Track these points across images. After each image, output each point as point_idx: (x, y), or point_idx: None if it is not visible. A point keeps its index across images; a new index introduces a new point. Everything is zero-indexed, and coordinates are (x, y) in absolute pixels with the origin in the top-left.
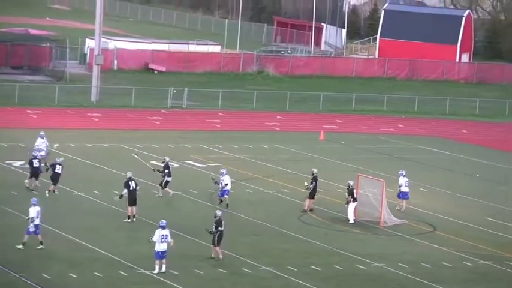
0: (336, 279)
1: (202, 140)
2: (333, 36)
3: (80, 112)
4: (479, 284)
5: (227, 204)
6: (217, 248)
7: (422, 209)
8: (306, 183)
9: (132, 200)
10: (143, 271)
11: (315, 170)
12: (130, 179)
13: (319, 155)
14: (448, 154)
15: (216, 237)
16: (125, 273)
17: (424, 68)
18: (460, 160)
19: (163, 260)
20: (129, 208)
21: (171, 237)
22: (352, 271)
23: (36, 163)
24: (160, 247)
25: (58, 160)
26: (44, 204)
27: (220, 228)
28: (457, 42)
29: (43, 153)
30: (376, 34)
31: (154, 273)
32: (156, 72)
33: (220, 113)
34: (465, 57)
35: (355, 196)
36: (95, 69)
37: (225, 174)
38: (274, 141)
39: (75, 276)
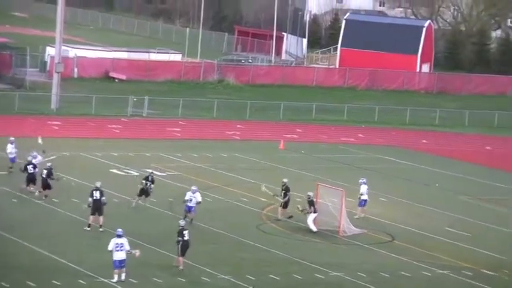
0: None
1: (162, 149)
2: (293, 45)
3: (40, 120)
4: None
5: (191, 220)
6: (179, 258)
7: (381, 218)
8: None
9: (94, 209)
10: (102, 279)
11: (285, 180)
12: (96, 188)
13: (279, 164)
14: (407, 164)
15: (179, 247)
16: (83, 282)
17: (384, 78)
18: (420, 170)
19: (123, 269)
20: (91, 217)
21: (133, 247)
22: (311, 280)
23: (30, 169)
24: (117, 256)
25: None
26: (2, 214)
27: (185, 238)
28: (417, 53)
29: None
30: (337, 44)
31: (113, 282)
32: (116, 80)
33: (180, 122)
34: (425, 68)
35: (315, 207)
36: (55, 77)
37: (196, 191)
38: (234, 150)
39: (33, 284)
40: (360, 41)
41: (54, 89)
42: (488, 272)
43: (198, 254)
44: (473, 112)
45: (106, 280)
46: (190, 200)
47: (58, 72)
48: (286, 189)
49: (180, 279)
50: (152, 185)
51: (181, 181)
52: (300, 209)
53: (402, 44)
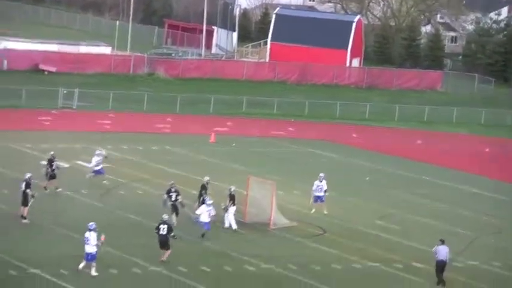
0: (225, 280)
1: (93, 141)
2: (224, 39)
3: None
4: (367, 286)
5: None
6: (165, 251)
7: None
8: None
9: (22, 201)
10: (32, 270)
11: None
12: (24, 180)
13: (210, 157)
14: (338, 158)
15: (159, 240)
16: (14, 272)
17: (314, 72)
18: (350, 164)
19: (90, 263)
20: (21, 207)
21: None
22: (242, 272)
23: (54, 166)
24: (85, 249)
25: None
26: None
27: (160, 232)
28: (347, 47)
29: None
30: (267, 38)
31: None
32: (46, 72)
33: (110, 114)
34: (355, 62)
35: (235, 201)
36: None
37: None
38: (165, 143)
39: None
40: (290, 35)
41: None
42: (418, 264)
43: (131, 246)
44: (403, 107)
45: (37, 271)
46: (99, 163)
47: None
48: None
49: (111, 271)
50: (179, 197)
51: (111, 173)
52: (223, 207)
53: (332, 39)
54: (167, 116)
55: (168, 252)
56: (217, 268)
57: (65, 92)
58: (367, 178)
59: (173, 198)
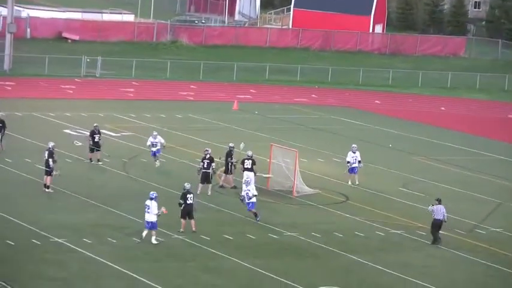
0: (249, 248)
1: (116, 109)
2: (246, 6)
3: None
4: (390, 253)
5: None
6: (191, 221)
7: (335, 179)
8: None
9: (46, 170)
10: (56, 239)
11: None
12: (47, 149)
13: (233, 124)
14: (361, 124)
15: (181, 210)
16: (38, 242)
17: (337, 39)
18: (373, 130)
19: (152, 231)
20: (44, 177)
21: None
22: (265, 240)
23: (96, 138)
24: (146, 217)
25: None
26: None
27: (188, 202)
28: (370, 13)
29: None
30: (290, 4)
31: (138, 241)
32: (69, 41)
33: (134, 82)
34: (378, 28)
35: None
36: (8, 38)
37: (157, 135)
38: (188, 111)
39: None
40: (313, 1)
41: (7, 50)
42: (441, 231)
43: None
44: (427, 73)
45: (60, 240)
46: (153, 144)
47: (11, 33)
48: (228, 155)
49: (134, 239)
50: (213, 164)
51: (135, 141)
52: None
53: (355, 5)
54: (190, 84)
55: (194, 221)
56: (241, 236)
57: (88, 60)
58: (390, 145)
59: (205, 165)
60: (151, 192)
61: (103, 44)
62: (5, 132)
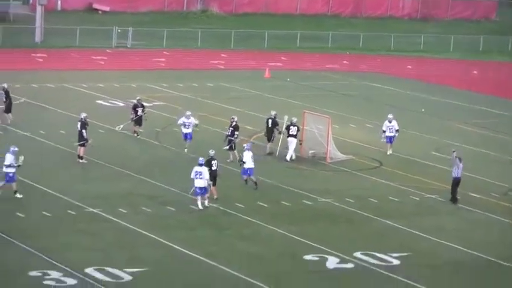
0: (284, 215)
1: (148, 79)
2: None
3: (25, 53)
4: (425, 217)
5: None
6: (212, 188)
7: (368, 144)
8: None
9: (79, 140)
10: (91, 210)
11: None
12: (80, 120)
13: (265, 92)
14: (393, 90)
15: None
16: (73, 212)
17: (368, 5)
18: (405, 96)
19: (204, 196)
20: (78, 147)
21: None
22: (300, 207)
23: (140, 112)
24: (197, 183)
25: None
26: None
27: (213, 168)
28: None
29: None
30: None
31: (197, 209)
32: (100, 12)
33: (165, 52)
34: None
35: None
36: (39, 10)
37: (190, 116)
38: (219, 80)
39: (23, 215)
40: None
41: (38, 22)
42: (475, 194)
43: (185, 182)
44: (458, 37)
45: (95, 210)
46: (185, 125)
47: (41, 5)
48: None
49: (169, 208)
50: (236, 133)
51: (167, 111)
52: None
53: None
54: (221, 52)
55: (215, 188)
56: (275, 203)
57: (119, 31)
58: (423, 109)
59: (229, 133)
60: (201, 159)
61: (133, 15)
62: (12, 103)
